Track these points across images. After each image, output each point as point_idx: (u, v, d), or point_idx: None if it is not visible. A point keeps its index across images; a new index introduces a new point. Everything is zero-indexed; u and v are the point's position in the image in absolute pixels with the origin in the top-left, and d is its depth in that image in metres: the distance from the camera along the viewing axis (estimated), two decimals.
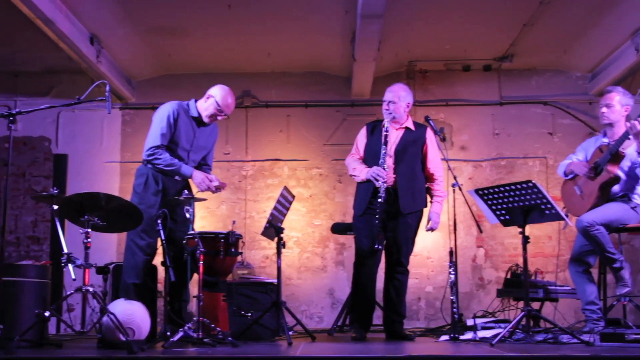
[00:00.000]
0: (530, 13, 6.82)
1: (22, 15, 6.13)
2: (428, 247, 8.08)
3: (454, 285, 5.02)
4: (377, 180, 5.03)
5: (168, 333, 4.37)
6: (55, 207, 4.53)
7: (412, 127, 5.31)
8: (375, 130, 5.34)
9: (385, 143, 5.10)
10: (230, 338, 4.39)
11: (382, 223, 5.02)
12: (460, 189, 5.28)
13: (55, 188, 4.67)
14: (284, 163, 8.39)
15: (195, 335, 4.29)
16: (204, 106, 5.03)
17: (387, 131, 5.12)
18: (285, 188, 5.29)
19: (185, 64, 8.23)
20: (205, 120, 5.04)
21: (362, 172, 5.20)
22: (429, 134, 5.32)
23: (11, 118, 4.28)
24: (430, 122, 5.47)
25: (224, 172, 8.26)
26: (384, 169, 5.04)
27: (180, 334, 4.26)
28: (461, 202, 5.65)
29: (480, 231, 6.14)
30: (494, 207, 4.81)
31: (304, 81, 8.52)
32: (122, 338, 4.00)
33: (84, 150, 8.41)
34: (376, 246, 5.01)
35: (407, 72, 8.46)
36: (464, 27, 7.25)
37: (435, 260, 8.09)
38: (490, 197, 4.78)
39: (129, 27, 7.17)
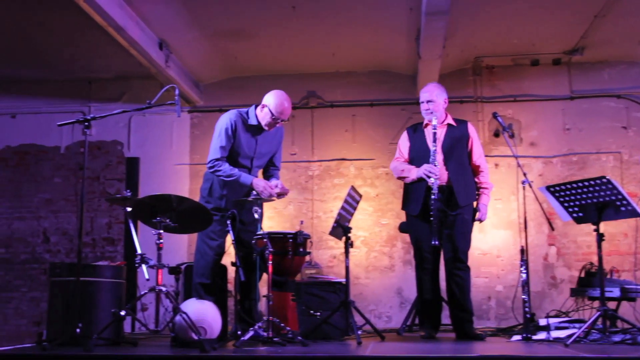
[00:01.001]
0: (601, 3, 6.62)
1: (95, 24, 6.33)
2: (498, 245, 7.95)
3: (525, 284, 4.93)
4: (430, 177, 5.01)
5: (239, 332, 4.43)
6: (129, 209, 4.66)
7: (453, 123, 5.33)
8: (416, 131, 5.39)
9: (435, 140, 5.09)
10: (299, 337, 4.42)
11: (439, 220, 5.00)
12: (530, 186, 5.19)
13: (128, 190, 4.81)
14: (350, 162, 8.39)
15: (265, 334, 4.34)
16: (261, 115, 5.04)
17: (435, 129, 5.12)
18: (353, 187, 5.29)
19: (251, 66, 8.32)
20: (265, 128, 5.06)
21: (412, 172, 5.23)
22: (471, 128, 5.36)
23: (86, 123, 4.40)
24: (499, 118, 5.42)
25: (291, 172, 8.33)
26: (435, 165, 5.02)
27: (251, 333, 4.31)
28: (531, 200, 5.55)
29: (552, 229, 6.02)
30: (566, 204, 4.71)
31: (369, 80, 8.50)
32: (195, 337, 4.08)
33: (155, 153, 8.61)
34: (433, 242, 4.99)
35: (474, 68, 8.34)
36: (532, 21, 7.10)
37: (505, 259, 7.95)
38: (562, 193, 4.68)
39: (196, 32, 7.30)
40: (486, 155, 7.99)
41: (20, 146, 8.87)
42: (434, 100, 5.24)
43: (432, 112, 5.22)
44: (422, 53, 7.08)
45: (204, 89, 8.72)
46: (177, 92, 4.53)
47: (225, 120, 5.04)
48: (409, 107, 8.30)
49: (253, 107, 5.13)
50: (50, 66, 8.35)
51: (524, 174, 5.29)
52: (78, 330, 4.17)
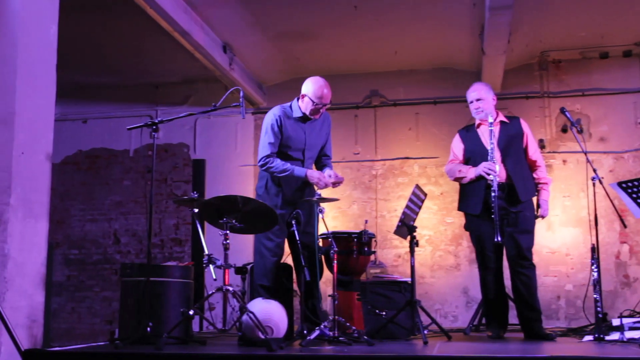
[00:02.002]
0: None
1: (161, 30, 6.47)
2: (567, 243, 7.77)
3: (597, 283, 4.80)
4: (489, 175, 4.95)
5: (305, 331, 4.45)
6: (196, 210, 4.74)
7: (505, 120, 5.29)
8: (469, 131, 5.35)
9: (491, 138, 5.04)
10: (365, 336, 4.42)
11: (501, 217, 4.94)
12: (600, 183, 5.06)
13: (195, 192, 4.88)
14: (414, 161, 8.34)
15: (331, 333, 4.35)
16: (303, 105, 5.03)
17: (491, 126, 5.07)
18: (417, 186, 5.25)
19: (313, 67, 8.33)
20: (311, 116, 5.04)
21: (470, 171, 5.17)
22: (524, 124, 5.30)
23: (154, 127, 4.48)
24: (566, 113, 5.31)
25: (354, 171, 8.33)
26: (493, 163, 4.96)
27: (317, 332, 4.33)
28: (602, 196, 5.41)
29: (624, 226, 5.87)
30: (639, 201, 4.56)
31: (431, 78, 8.42)
32: (262, 336, 4.12)
33: (220, 155, 8.75)
34: (496, 239, 4.92)
35: (540, 63, 8.17)
36: (600, 12, 6.90)
37: (575, 257, 7.76)
38: (635, 189, 4.54)
39: (259, 34, 7.38)
40: (554, 152, 7.92)
41: (91, 150, 9.17)
42: (483, 98, 5.20)
43: (482, 111, 5.18)
44: (486, 49, 6.97)
45: (267, 91, 8.81)
46: (241, 94, 4.58)
47: (269, 117, 5.07)
48: None
49: (295, 99, 5.13)
50: (119, 72, 8.60)
51: (594, 170, 5.16)
52: (149, 329, 4.25)
